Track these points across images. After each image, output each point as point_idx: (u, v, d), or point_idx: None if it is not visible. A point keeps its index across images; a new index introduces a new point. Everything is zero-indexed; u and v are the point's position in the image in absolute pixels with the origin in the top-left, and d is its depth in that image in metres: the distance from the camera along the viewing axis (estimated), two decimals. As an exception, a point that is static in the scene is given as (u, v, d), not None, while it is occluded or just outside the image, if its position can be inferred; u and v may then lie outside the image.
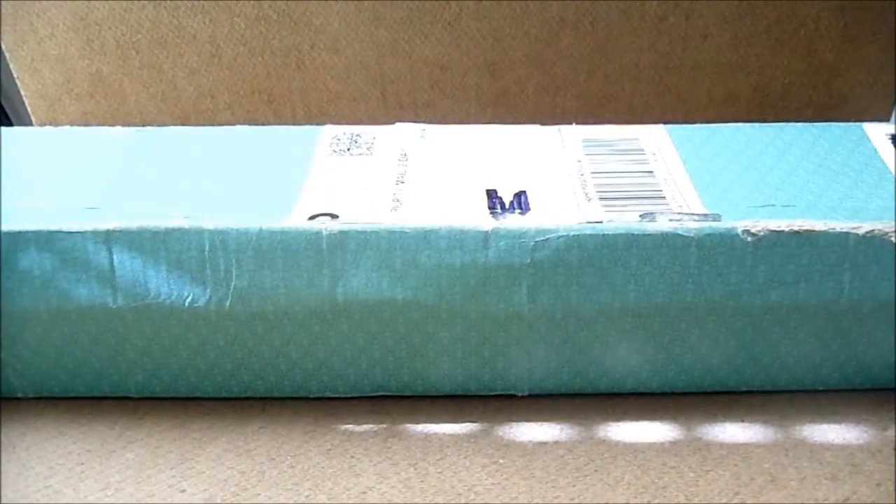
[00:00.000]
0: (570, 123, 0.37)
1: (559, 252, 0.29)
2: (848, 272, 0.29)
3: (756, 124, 0.36)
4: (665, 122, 0.37)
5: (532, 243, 0.29)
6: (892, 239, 0.29)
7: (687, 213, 0.31)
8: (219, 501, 0.30)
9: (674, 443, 0.31)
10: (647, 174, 0.33)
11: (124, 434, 0.32)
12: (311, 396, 0.33)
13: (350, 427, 0.32)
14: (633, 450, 0.31)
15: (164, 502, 0.29)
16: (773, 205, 0.31)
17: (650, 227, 0.30)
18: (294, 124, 0.35)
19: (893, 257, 0.29)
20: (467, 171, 0.33)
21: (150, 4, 0.50)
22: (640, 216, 0.30)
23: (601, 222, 0.30)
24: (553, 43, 0.50)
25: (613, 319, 0.30)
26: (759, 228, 0.29)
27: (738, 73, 0.51)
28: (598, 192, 0.32)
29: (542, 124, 0.37)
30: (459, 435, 0.32)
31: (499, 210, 0.31)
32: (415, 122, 0.37)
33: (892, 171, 0.33)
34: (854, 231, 0.29)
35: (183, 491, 0.30)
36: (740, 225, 0.29)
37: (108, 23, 0.51)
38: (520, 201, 0.31)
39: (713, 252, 0.29)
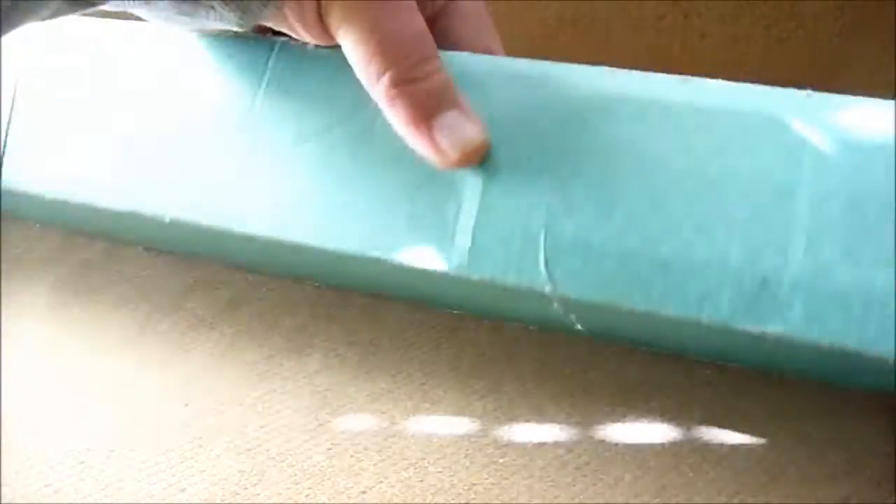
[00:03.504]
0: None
1: None
2: None
3: None
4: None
5: None
6: None
7: None
8: (219, 501, 0.30)
9: (674, 443, 0.31)
10: None
11: (124, 433, 0.32)
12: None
13: (350, 427, 0.32)
14: (633, 450, 0.31)
15: (164, 502, 0.29)
16: None
17: None
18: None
19: None
20: None
21: (148, 2, 0.50)
22: None
23: None
24: (552, 41, 0.50)
25: None
26: None
27: (737, 72, 0.51)
28: None
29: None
30: (459, 434, 0.32)
31: None
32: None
33: None
34: None
35: (183, 490, 0.30)
36: None
37: (107, 21, 0.51)
38: None
39: None
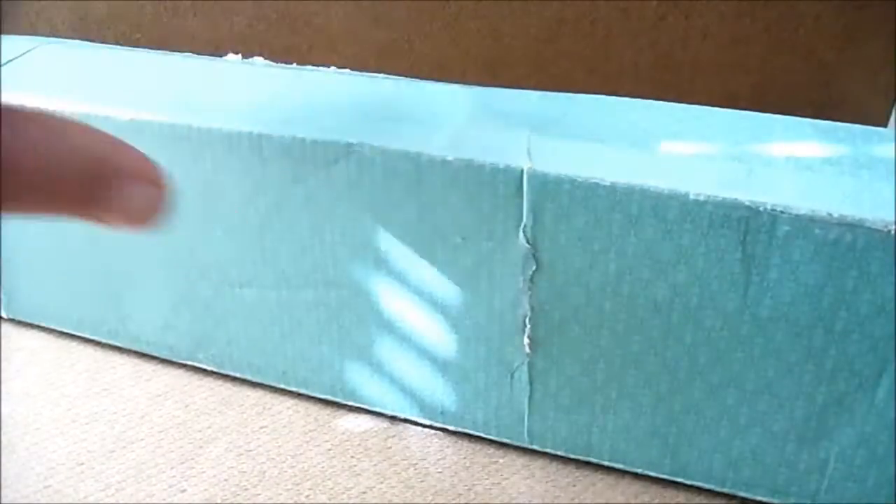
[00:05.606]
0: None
1: None
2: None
3: None
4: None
5: None
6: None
7: None
8: (219, 501, 0.30)
9: (674, 443, 0.31)
10: None
11: (124, 434, 0.32)
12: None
13: (350, 427, 0.32)
14: (633, 450, 0.31)
15: (164, 502, 0.29)
16: None
17: None
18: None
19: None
20: None
21: (149, 4, 0.50)
22: None
23: None
24: (553, 42, 0.50)
25: None
26: None
27: (738, 73, 0.51)
28: None
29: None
30: (459, 435, 0.32)
31: None
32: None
33: None
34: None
35: (183, 491, 0.30)
36: None
37: (108, 22, 0.51)
38: None
39: None
